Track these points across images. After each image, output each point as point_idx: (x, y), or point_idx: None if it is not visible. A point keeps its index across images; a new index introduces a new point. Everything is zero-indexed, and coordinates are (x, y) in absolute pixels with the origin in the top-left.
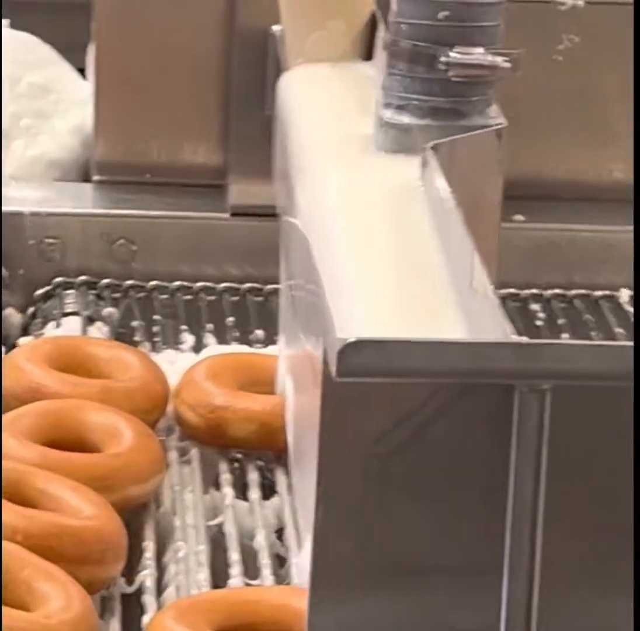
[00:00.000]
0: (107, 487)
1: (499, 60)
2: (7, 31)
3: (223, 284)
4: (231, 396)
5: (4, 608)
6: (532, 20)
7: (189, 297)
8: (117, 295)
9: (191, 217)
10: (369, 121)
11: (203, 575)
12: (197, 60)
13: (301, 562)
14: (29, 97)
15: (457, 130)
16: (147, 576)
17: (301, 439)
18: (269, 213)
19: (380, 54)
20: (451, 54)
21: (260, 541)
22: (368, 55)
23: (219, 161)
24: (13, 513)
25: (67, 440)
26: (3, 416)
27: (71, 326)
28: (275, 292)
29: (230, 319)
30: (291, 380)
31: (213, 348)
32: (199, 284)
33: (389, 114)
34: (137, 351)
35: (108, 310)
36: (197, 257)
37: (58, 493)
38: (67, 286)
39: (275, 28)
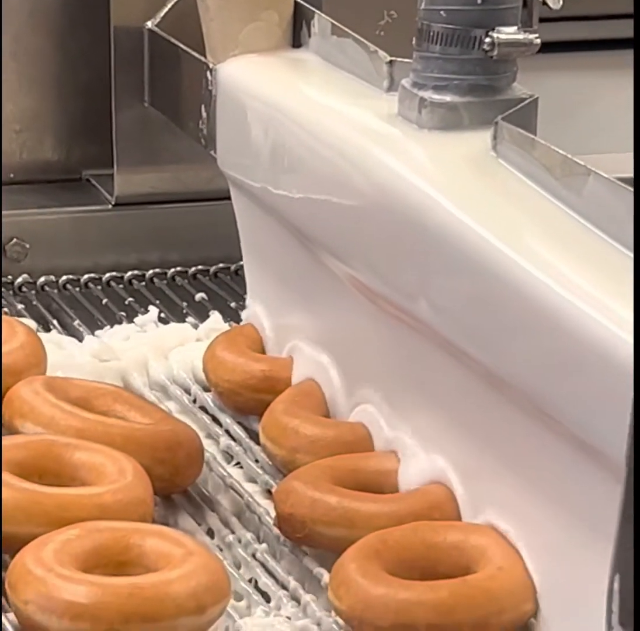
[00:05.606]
0: None
1: (533, 37)
2: None
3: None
4: None
5: None
6: None
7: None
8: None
9: (77, 211)
10: (368, 102)
11: None
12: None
13: None
14: None
15: (496, 105)
16: None
17: None
18: (151, 201)
19: (315, 41)
20: (494, 34)
21: None
22: (295, 43)
23: (77, 155)
24: None
25: None
26: None
27: None
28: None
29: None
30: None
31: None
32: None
33: (429, 94)
34: None
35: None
36: (88, 249)
37: None
38: None
39: (149, 24)
